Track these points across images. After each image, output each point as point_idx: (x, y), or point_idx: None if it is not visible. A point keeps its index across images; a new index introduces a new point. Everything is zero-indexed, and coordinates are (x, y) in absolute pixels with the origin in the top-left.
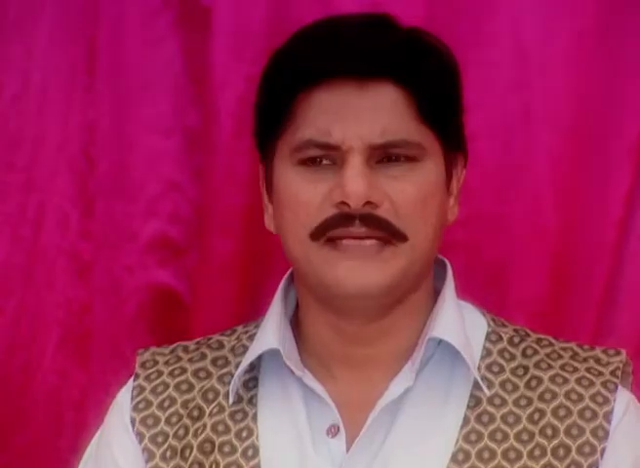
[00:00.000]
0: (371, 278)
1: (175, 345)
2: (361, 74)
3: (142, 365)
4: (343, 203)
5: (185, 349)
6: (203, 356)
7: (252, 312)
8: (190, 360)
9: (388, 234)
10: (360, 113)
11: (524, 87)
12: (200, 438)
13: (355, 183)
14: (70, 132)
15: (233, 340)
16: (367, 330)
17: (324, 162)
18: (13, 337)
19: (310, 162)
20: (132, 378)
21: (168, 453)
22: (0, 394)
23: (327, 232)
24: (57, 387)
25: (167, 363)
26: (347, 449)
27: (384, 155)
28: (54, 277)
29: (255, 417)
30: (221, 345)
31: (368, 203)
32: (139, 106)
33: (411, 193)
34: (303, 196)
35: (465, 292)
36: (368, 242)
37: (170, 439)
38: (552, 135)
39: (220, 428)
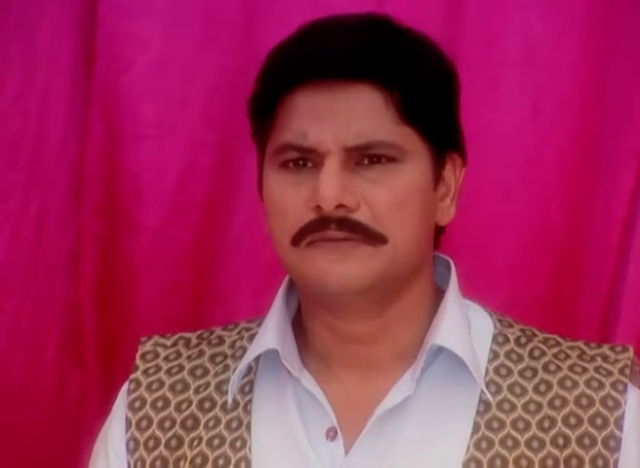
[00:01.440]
0: (349, 273)
1: (177, 336)
2: (334, 77)
3: (143, 356)
4: (319, 207)
5: (187, 344)
6: (201, 353)
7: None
8: (189, 357)
9: (366, 237)
10: (336, 116)
11: (532, 87)
12: (195, 451)
13: (326, 187)
14: (71, 131)
15: (234, 335)
16: (361, 328)
17: (307, 165)
18: (13, 337)
19: (293, 165)
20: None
21: (158, 463)
22: (0, 394)
23: (306, 237)
24: (56, 387)
25: (167, 358)
26: (347, 453)
27: (362, 157)
28: (54, 276)
29: (248, 426)
30: (222, 341)
31: (341, 206)
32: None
33: (387, 197)
34: (284, 201)
35: (472, 291)
36: (346, 242)
37: (161, 447)
38: (559, 135)
39: (216, 442)
